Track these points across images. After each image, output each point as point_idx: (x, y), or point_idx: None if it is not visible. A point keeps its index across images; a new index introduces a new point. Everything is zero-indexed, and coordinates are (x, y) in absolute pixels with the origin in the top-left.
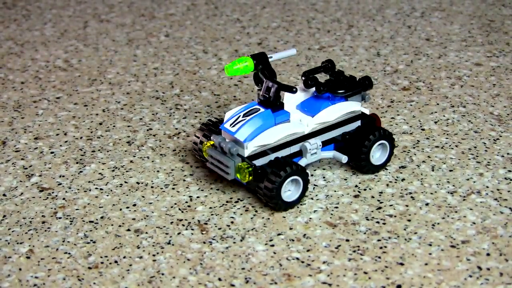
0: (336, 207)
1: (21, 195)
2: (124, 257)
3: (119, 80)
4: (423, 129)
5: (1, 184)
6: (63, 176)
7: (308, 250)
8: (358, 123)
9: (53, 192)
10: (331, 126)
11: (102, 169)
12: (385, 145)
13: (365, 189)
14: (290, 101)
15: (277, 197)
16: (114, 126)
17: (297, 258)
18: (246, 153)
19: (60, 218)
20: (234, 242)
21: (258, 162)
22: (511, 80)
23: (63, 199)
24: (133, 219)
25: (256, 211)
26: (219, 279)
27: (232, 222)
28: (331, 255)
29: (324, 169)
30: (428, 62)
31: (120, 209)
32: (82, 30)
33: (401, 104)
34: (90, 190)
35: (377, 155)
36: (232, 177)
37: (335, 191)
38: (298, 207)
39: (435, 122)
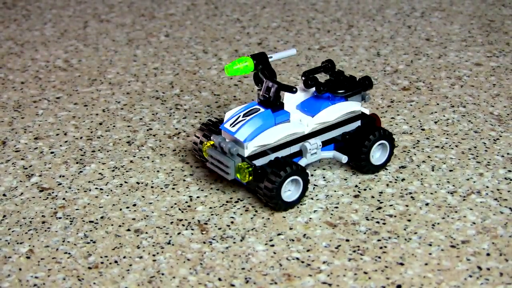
0: (336, 207)
1: (21, 195)
2: (124, 257)
3: (119, 80)
4: (423, 129)
5: (1, 184)
6: (63, 176)
7: (308, 250)
8: (358, 123)
9: (53, 192)
10: (331, 126)
11: (102, 169)
12: (385, 145)
13: (365, 189)
14: (290, 101)
15: (277, 197)
16: (114, 126)
17: (297, 258)
18: (246, 153)
19: (60, 218)
20: (234, 242)
21: (258, 162)
22: (511, 80)
23: (63, 199)
24: (133, 219)
25: (256, 211)
26: (219, 279)
27: (232, 222)
28: (331, 255)
29: (324, 169)
30: (428, 62)
31: (120, 209)
32: (82, 30)
33: (401, 104)
34: (90, 190)
35: (377, 155)
36: (232, 177)
37: (335, 191)
38: (298, 207)
39: (435, 122)
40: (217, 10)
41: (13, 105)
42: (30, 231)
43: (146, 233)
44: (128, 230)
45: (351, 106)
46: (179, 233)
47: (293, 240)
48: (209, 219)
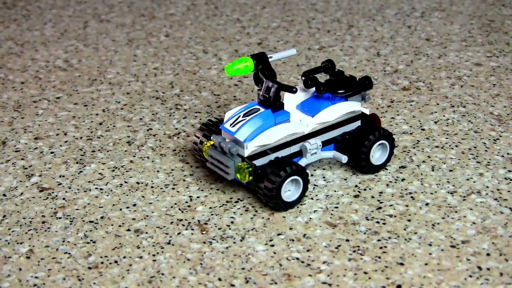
0: (336, 207)
1: (21, 195)
2: (124, 257)
3: (119, 80)
4: (423, 129)
5: (1, 184)
6: (63, 176)
7: (308, 250)
8: (358, 123)
9: (53, 192)
10: (331, 126)
11: (102, 169)
12: (385, 145)
13: (365, 189)
14: (290, 101)
15: (277, 197)
16: (114, 126)
17: (297, 258)
18: (246, 153)
19: (60, 218)
20: (234, 242)
21: (258, 162)
22: (511, 80)
23: (63, 199)
24: (133, 219)
25: (256, 211)
26: (219, 279)
27: (232, 222)
28: (331, 255)
29: (324, 169)
30: (428, 62)
31: (120, 209)
32: (82, 30)
33: (401, 104)
34: (90, 190)
35: (377, 155)
36: (232, 177)
37: (335, 191)
38: (298, 207)
39: (435, 122)
40: (217, 10)
41: (13, 105)
42: (30, 231)
43: (146, 233)
44: (128, 230)
45: (351, 106)
46: (179, 233)
47: (293, 240)
48: (209, 219)
